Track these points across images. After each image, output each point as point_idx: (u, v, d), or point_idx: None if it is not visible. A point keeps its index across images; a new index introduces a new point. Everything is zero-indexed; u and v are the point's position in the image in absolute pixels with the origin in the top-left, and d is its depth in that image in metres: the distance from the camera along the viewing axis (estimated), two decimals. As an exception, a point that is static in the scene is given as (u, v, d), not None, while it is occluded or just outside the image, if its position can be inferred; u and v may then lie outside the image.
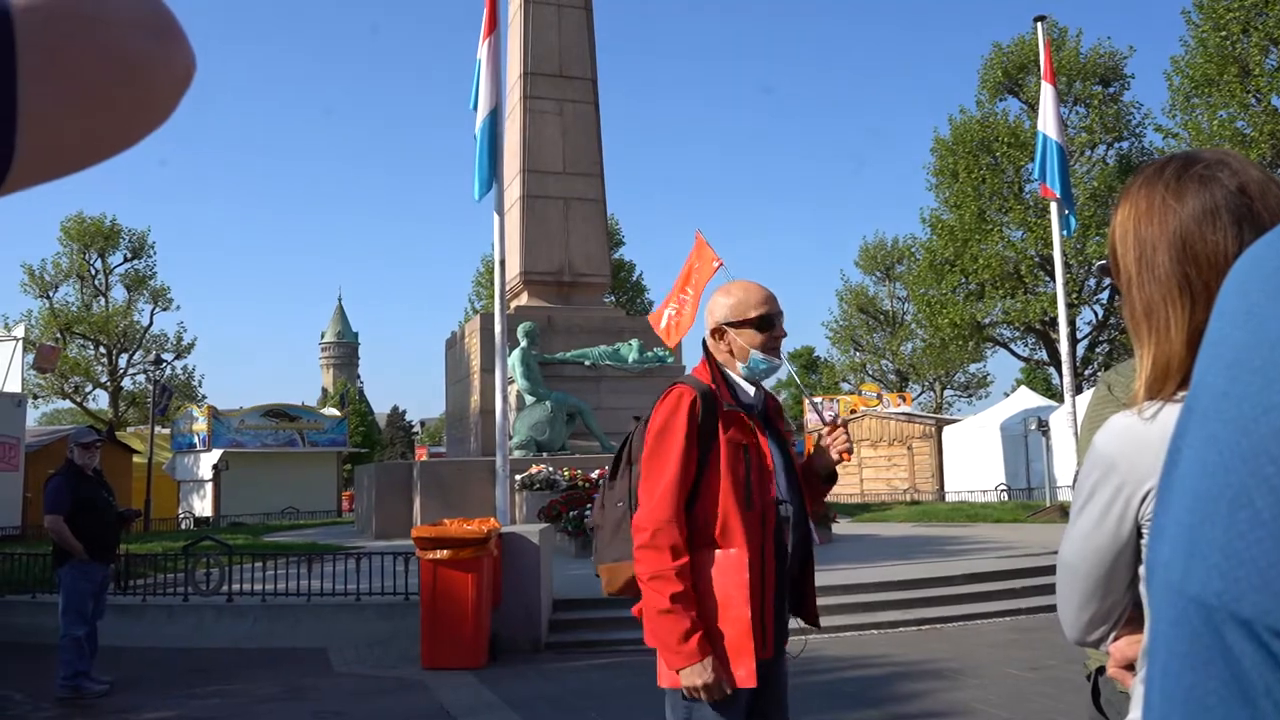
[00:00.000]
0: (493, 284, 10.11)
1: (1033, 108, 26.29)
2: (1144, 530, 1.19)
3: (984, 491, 24.94)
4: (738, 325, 2.69)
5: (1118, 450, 1.19)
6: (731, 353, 2.71)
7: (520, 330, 15.99)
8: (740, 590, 2.48)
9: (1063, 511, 15.72)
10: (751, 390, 2.73)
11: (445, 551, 7.70)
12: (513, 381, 15.43)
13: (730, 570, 2.50)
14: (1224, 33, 24.16)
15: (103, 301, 37.99)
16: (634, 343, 17.10)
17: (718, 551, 2.53)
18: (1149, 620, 0.66)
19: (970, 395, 44.10)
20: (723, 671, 2.44)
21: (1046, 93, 12.32)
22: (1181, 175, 1.21)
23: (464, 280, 51.61)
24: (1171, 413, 1.12)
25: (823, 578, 9.77)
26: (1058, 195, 12.23)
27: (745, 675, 2.45)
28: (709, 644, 2.44)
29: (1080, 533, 1.25)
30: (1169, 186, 1.21)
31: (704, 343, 2.80)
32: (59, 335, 35.58)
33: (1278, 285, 0.56)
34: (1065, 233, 13.22)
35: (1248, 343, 0.56)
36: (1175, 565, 0.56)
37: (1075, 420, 11.36)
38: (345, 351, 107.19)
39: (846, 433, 2.79)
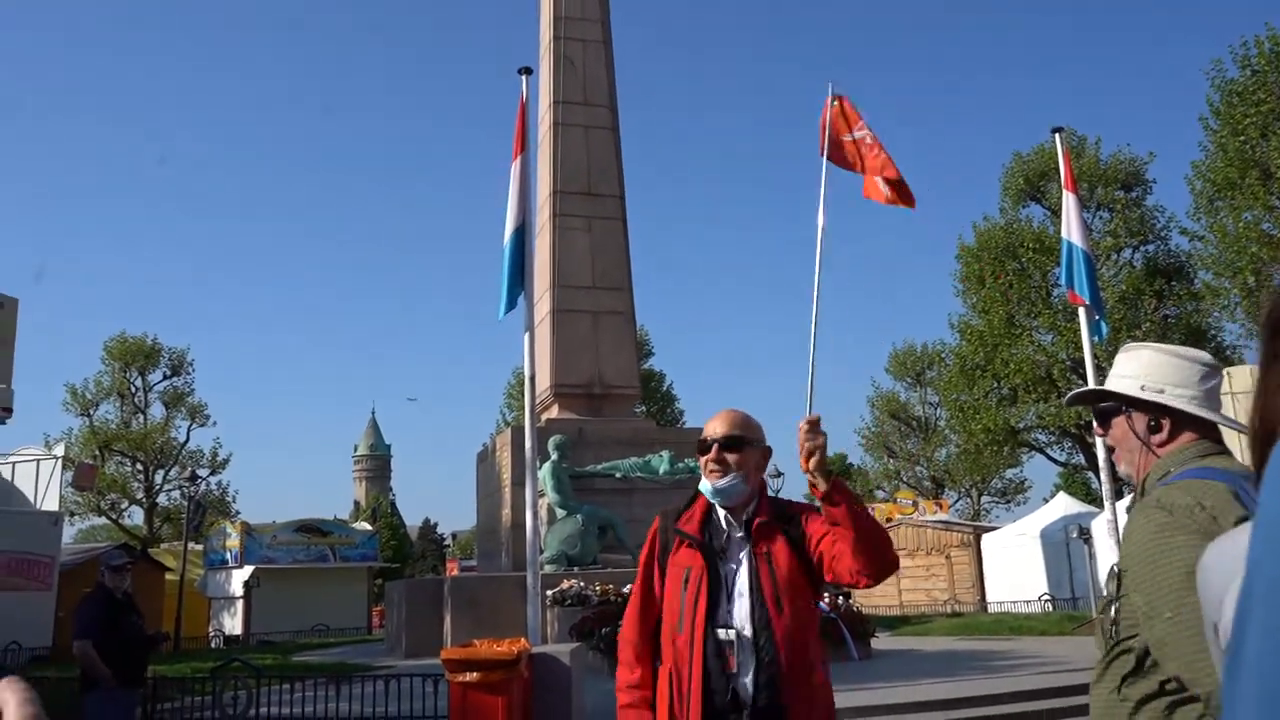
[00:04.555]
0: (523, 396, 10.18)
1: (1056, 213, 26.53)
2: None
3: (1027, 602, 24.23)
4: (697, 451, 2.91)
5: None
6: None
7: (551, 443, 16.01)
8: (661, 710, 2.71)
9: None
10: (724, 512, 2.81)
11: (475, 674, 7.57)
12: (543, 494, 15.37)
13: (661, 689, 2.73)
14: (1243, 137, 24.45)
15: (141, 419, 38.57)
16: (665, 454, 17.03)
17: (659, 668, 2.77)
18: None
19: (1008, 501, 43.31)
20: None
21: (1069, 201, 12.43)
22: None
23: (496, 392, 52.00)
24: None
25: (862, 697, 9.41)
26: (1086, 302, 12.23)
27: None
28: None
29: None
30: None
31: None
32: (98, 453, 36.05)
33: None
34: (1097, 338, 13.17)
35: None
36: None
37: (1117, 527, 11.09)
38: (378, 464, 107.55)
39: (812, 431, 2.54)
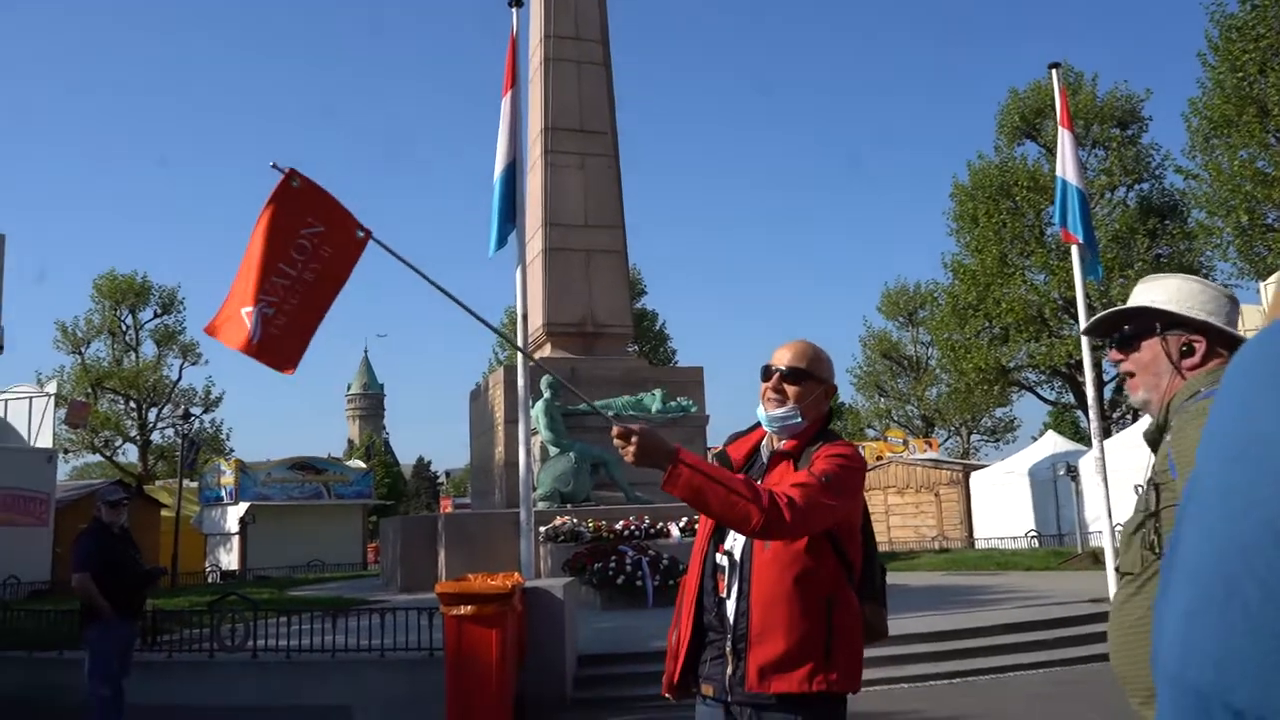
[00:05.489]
0: (516, 335, 10.17)
1: (1051, 151, 26.36)
2: None
3: (1014, 538, 24.60)
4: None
5: None
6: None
7: (543, 382, 16.04)
8: (673, 620, 2.88)
9: (1094, 558, 15.46)
10: (776, 441, 2.86)
11: (469, 607, 7.67)
12: (536, 433, 15.46)
13: (677, 601, 2.91)
14: (1241, 74, 24.18)
15: (133, 357, 38.48)
16: (657, 393, 17.11)
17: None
18: (1156, 703, 0.67)
19: (997, 440, 43.72)
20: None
21: (1064, 139, 12.32)
22: None
23: (489, 331, 51.90)
24: None
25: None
26: (1080, 240, 12.19)
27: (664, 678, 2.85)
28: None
29: None
30: None
31: None
32: (90, 391, 36.03)
33: (1268, 380, 0.57)
34: (1092, 277, 13.18)
35: (1241, 435, 0.57)
36: (1174, 652, 0.57)
37: (1104, 465, 11.21)
38: (371, 403, 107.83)
39: (620, 440, 2.57)
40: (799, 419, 2.78)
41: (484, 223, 10.27)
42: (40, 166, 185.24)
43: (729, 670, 2.65)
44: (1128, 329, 2.18)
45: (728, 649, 2.66)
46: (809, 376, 2.81)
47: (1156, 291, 2.17)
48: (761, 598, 2.63)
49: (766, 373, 2.84)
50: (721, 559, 2.75)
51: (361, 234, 3.66)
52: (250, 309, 3.54)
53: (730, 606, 2.69)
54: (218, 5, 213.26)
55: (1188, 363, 2.08)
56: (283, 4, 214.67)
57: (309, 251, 3.64)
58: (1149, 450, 2.14)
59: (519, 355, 10.27)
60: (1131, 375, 2.18)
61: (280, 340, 3.64)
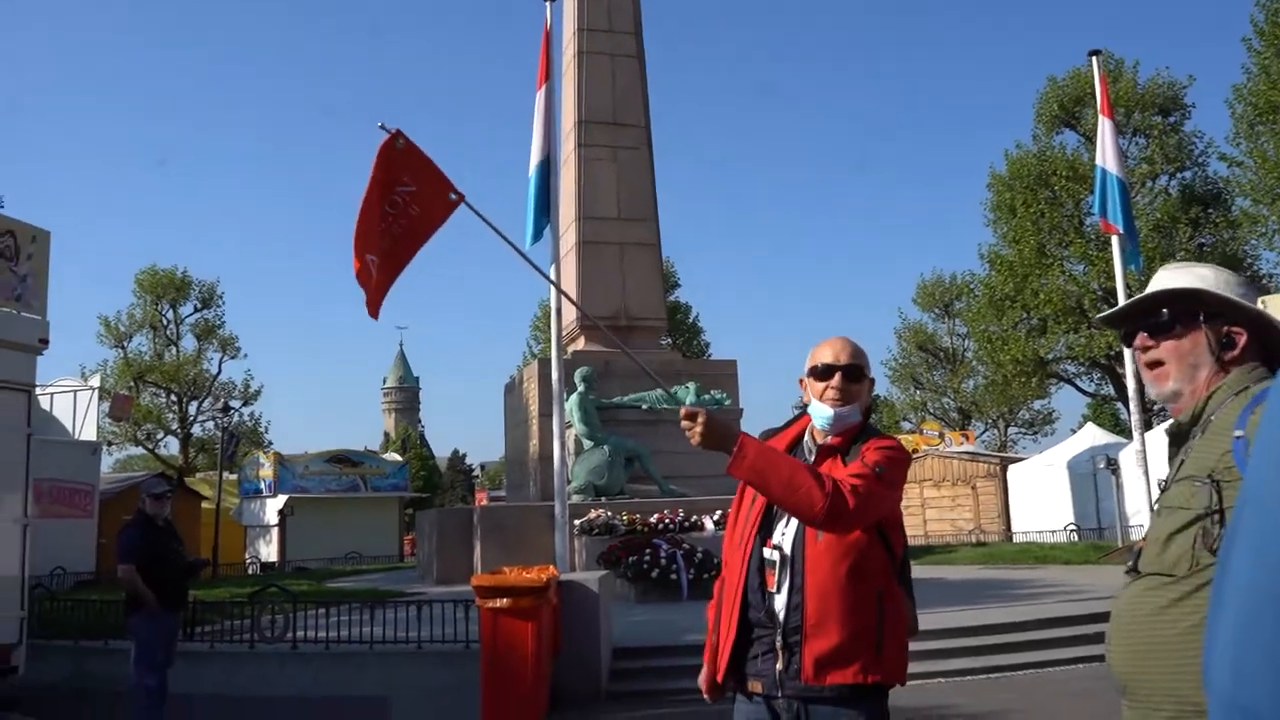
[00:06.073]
0: (549, 329, 10.20)
1: (1090, 140, 25.94)
2: None
3: (1052, 532, 24.30)
4: (808, 375, 2.89)
5: None
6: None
7: (577, 375, 16.08)
8: (712, 618, 2.87)
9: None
10: (819, 437, 2.86)
11: (505, 600, 7.71)
12: (570, 426, 15.50)
13: (715, 600, 2.90)
14: (1288, 59, 23.69)
15: (174, 350, 39.04)
16: (691, 385, 17.09)
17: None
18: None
19: (1035, 432, 43.14)
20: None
21: (1105, 127, 12.15)
22: None
23: (523, 324, 52.14)
24: None
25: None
26: (1120, 230, 12.02)
27: (703, 679, 2.86)
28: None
29: None
30: None
31: None
32: (132, 384, 36.61)
33: None
34: (1133, 267, 12.98)
35: None
36: (1225, 671, 0.56)
37: (1145, 458, 11.05)
38: (407, 396, 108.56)
39: (687, 421, 2.61)
40: (857, 415, 2.83)
41: (520, 215, 10.33)
42: (83, 166, 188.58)
43: (779, 665, 2.63)
44: (1166, 314, 2.02)
45: (778, 644, 2.64)
46: (864, 375, 2.86)
47: (1192, 278, 2.02)
48: (816, 590, 2.62)
49: (827, 371, 2.82)
50: (771, 554, 2.72)
51: (454, 196, 3.84)
52: (373, 257, 3.82)
53: (780, 601, 2.67)
54: (267, 5, 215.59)
55: (1229, 355, 1.95)
56: (328, 8, 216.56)
57: (399, 207, 3.86)
58: (1170, 446, 2.01)
59: (553, 349, 10.29)
60: (1160, 364, 2.03)
61: (369, 287, 3.88)
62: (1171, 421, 2.03)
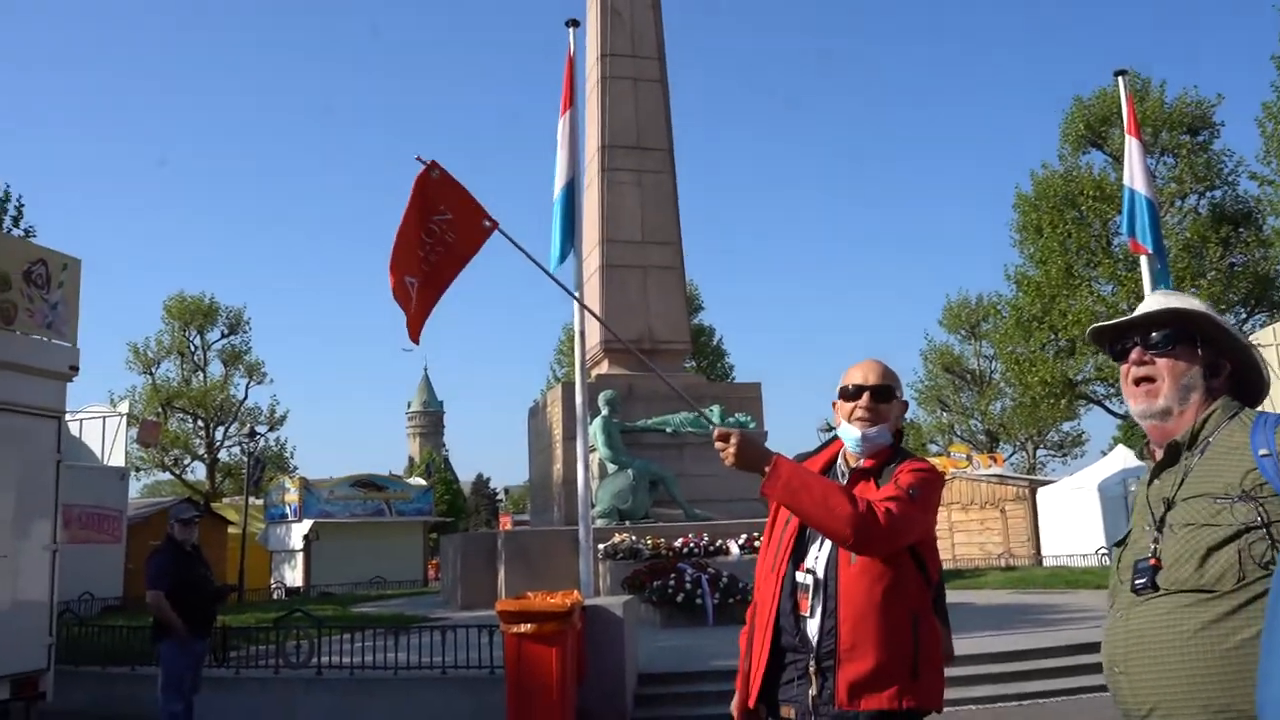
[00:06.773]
0: (573, 352, 10.19)
1: (1117, 160, 25.75)
2: None
3: (1083, 556, 23.94)
4: (838, 396, 2.89)
5: None
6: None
7: (601, 399, 16.07)
8: (744, 643, 2.82)
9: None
10: (852, 460, 2.84)
11: (529, 625, 7.68)
12: (594, 450, 15.47)
13: (748, 624, 2.86)
14: (1317, 76, 23.47)
15: (201, 376, 39.43)
16: (715, 408, 17.02)
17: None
18: None
19: (1064, 455, 42.66)
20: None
21: (1132, 147, 12.04)
22: None
23: (547, 348, 52.29)
24: None
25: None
26: (1149, 250, 11.89)
27: (735, 705, 2.78)
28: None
29: None
30: None
31: None
32: (160, 410, 36.97)
33: None
34: (1163, 286, 12.85)
35: None
36: (1276, 710, 0.52)
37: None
38: (431, 420, 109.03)
39: (720, 442, 2.62)
40: (888, 437, 2.82)
41: (544, 239, 10.36)
42: (116, 187, 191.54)
43: (813, 690, 2.59)
44: (1168, 332, 2.08)
45: (811, 668, 2.60)
46: (894, 395, 2.85)
47: (1193, 303, 2.10)
48: (850, 613, 2.58)
49: (855, 392, 2.82)
50: (804, 578, 2.69)
51: (488, 224, 3.96)
52: (411, 279, 3.92)
53: (813, 625, 2.64)
54: (302, 16, 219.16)
55: (1214, 383, 2.05)
56: (361, 23, 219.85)
57: (436, 235, 3.99)
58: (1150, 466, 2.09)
59: (577, 373, 10.29)
60: (1151, 381, 2.08)
61: (408, 309, 3.98)
62: (1170, 440, 2.04)
